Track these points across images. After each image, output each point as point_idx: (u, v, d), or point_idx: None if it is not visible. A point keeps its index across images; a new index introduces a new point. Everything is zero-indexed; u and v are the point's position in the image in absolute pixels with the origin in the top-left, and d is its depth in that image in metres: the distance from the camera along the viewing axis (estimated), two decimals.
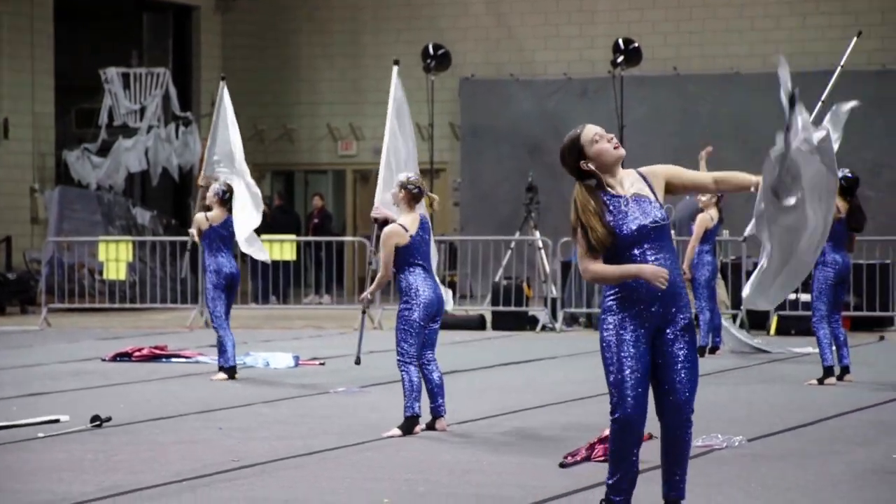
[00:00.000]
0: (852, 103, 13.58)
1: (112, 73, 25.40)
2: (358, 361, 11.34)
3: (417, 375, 9.83)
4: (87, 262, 22.39)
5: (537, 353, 15.99)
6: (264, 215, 15.42)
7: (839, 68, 13.27)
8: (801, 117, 6.87)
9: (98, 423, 10.12)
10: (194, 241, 13.98)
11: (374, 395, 12.13)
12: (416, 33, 26.60)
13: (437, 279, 10.18)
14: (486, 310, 20.38)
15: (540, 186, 22.01)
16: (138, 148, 25.41)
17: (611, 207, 6.40)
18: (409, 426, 9.78)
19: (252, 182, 13.95)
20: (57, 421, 10.32)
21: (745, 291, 6.94)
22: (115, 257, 21.36)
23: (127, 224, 24.34)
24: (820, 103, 14.40)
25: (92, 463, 8.70)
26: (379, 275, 10.05)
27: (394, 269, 10.00)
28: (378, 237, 10.26)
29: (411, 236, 9.93)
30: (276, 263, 21.99)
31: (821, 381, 12.59)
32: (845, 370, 12.93)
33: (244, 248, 13.75)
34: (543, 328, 19.39)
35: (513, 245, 21.39)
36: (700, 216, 15.56)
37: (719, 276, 17.26)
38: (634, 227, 6.35)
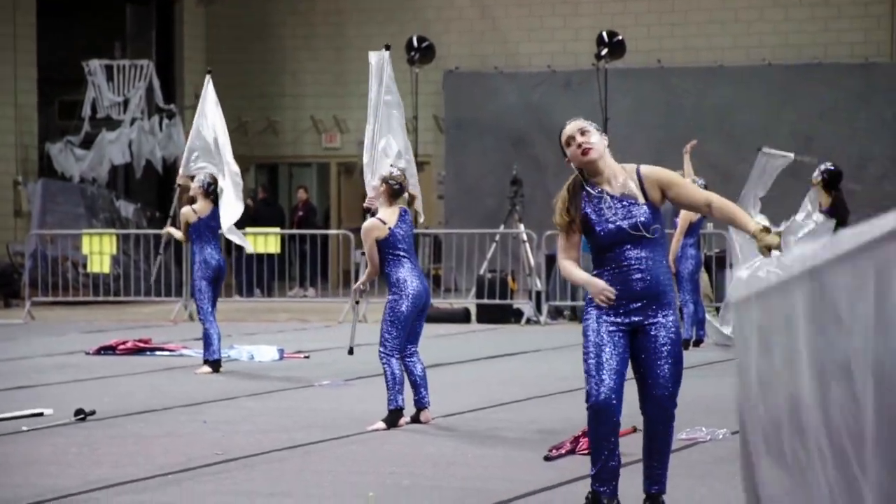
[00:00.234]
0: (787, 159, 13.68)
1: (95, 66, 25.33)
2: (351, 352, 11.31)
3: (399, 368, 9.84)
4: (70, 255, 22.33)
5: (522, 346, 16.01)
6: (247, 207, 15.47)
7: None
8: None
9: (82, 416, 10.10)
10: (170, 239, 13.94)
11: (359, 388, 12.13)
12: (399, 26, 26.58)
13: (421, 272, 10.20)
14: (470, 303, 20.39)
15: (524, 179, 22.02)
16: (122, 140, 25.36)
17: (592, 203, 6.46)
18: (393, 419, 9.79)
19: (237, 171, 13.91)
20: (41, 414, 10.31)
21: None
22: (99, 250, 21.32)
23: (111, 217, 24.29)
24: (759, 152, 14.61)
25: (76, 456, 8.69)
26: (367, 270, 10.05)
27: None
28: None
29: (390, 229, 9.95)
30: (260, 256, 21.99)
31: None
32: None
33: (227, 234, 13.72)
34: (528, 321, 19.41)
35: (497, 238, 21.40)
36: (684, 210, 15.60)
37: (703, 269, 17.29)
38: (612, 228, 6.42)
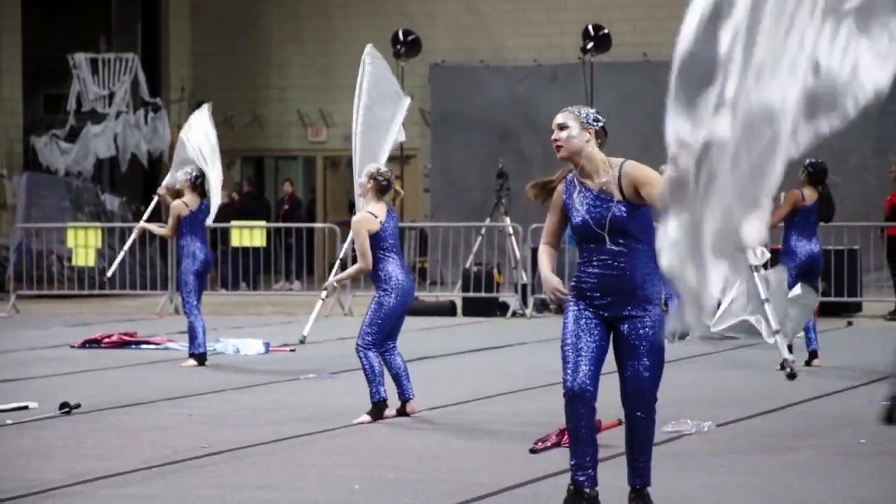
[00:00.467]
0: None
1: (80, 59, 25.28)
2: (303, 341, 11.26)
3: (378, 360, 9.83)
4: (55, 248, 22.30)
5: (507, 339, 16.02)
6: (233, 200, 15.51)
7: None
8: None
9: (67, 409, 10.09)
10: (144, 235, 13.84)
11: (345, 381, 12.13)
12: (386, 19, 26.56)
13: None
14: (456, 296, 20.40)
15: (510, 172, 22.02)
16: (107, 134, 25.30)
17: (574, 193, 6.53)
18: (377, 411, 9.79)
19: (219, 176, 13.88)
20: (26, 408, 10.29)
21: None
22: (84, 244, 21.28)
23: (96, 210, 24.25)
24: None
25: (61, 450, 8.68)
26: (358, 265, 9.97)
27: None
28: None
29: (381, 223, 9.93)
30: (246, 250, 21.97)
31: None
32: (813, 355, 13.00)
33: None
34: (514, 314, 19.42)
35: (483, 231, 21.41)
36: None
37: None
38: (579, 221, 6.49)
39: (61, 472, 7.89)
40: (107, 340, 14.97)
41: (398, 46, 24.26)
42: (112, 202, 24.88)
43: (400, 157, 23.71)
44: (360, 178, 10.20)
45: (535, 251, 19.84)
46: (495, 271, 20.04)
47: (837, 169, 22.46)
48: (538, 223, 19.88)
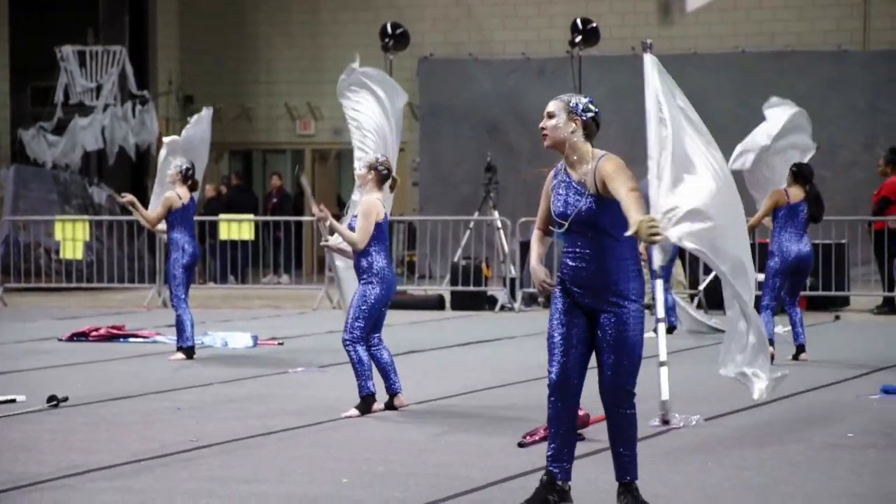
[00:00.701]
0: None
1: (68, 51, 25.21)
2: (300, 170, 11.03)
3: (366, 353, 9.82)
4: (43, 241, 22.26)
5: (496, 332, 16.02)
6: (220, 194, 15.44)
7: None
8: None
9: (55, 403, 10.07)
10: (129, 207, 13.74)
11: (333, 374, 12.13)
12: (374, 12, 26.54)
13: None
14: (444, 290, 20.40)
15: (498, 166, 22.03)
16: (94, 126, 25.25)
17: (557, 182, 6.57)
18: (366, 405, 9.78)
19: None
20: (13, 401, 10.27)
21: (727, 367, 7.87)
22: (72, 237, 21.25)
23: (83, 203, 24.20)
24: None
25: (49, 443, 8.66)
26: (356, 237, 9.84)
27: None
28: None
29: (385, 214, 9.96)
30: (234, 243, 21.95)
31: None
32: (801, 349, 13.03)
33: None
34: (502, 308, 19.43)
35: (471, 225, 21.41)
36: None
37: (678, 258, 17.33)
38: (556, 210, 6.55)
39: (49, 466, 7.88)
40: (95, 334, 14.95)
41: (386, 40, 24.23)
42: (100, 195, 24.84)
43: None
44: (360, 170, 10.11)
45: (523, 245, 19.85)
46: (483, 265, 20.04)
47: (827, 164, 22.52)
48: (526, 217, 19.89)
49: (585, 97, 6.75)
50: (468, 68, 26.44)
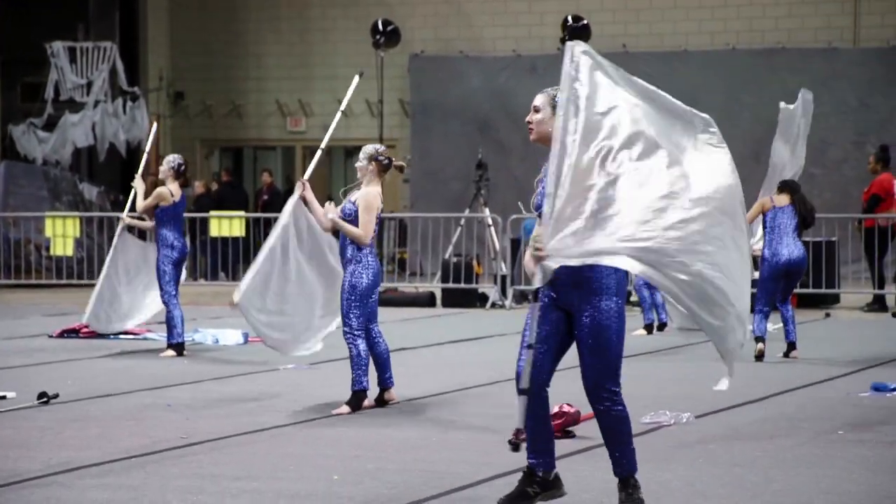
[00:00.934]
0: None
1: (58, 47, 25.18)
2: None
3: (365, 349, 9.82)
4: (33, 237, 22.23)
5: (487, 330, 16.03)
6: (209, 191, 15.38)
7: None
8: None
9: (45, 399, 10.06)
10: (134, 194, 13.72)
11: (324, 371, 12.13)
12: (365, 9, 26.53)
13: None
14: (435, 287, 20.40)
15: (489, 163, 22.04)
16: (85, 123, 25.23)
17: (540, 176, 6.58)
18: (356, 400, 9.77)
19: None
20: (3, 398, 10.25)
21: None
22: (62, 233, 21.22)
23: (74, 199, 24.17)
24: None
25: (39, 440, 8.65)
26: (360, 232, 9.81)
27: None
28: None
29: (380, 208, 9.96)
30: (224, 240, 21.93)
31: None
32: (791, 346, 13.05)
33: None
34: (493, 305, 19.43)
35: (462, 222, 21.41)
36: None
37: None
38: (534, 204, 6.58)
39: (39, 463, 7.87)
40: (85, 330, 14.93)
41: (377, 37, 24.23)
42: (90, 191, 24.81)
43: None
44: (360, 162, 10.06)
45: (514, 242, 19.87)
46: (475, 262, 20.05)
47: (817, 162, 22.56)
48: (517, 214, 19.91)
49: None
50: (459, 65, 26.44)
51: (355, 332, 9.78)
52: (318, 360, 12.70)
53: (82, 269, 21.48)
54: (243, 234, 22.02)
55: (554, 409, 8.67)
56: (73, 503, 6.95)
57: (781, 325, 13.19)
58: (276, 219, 23.77)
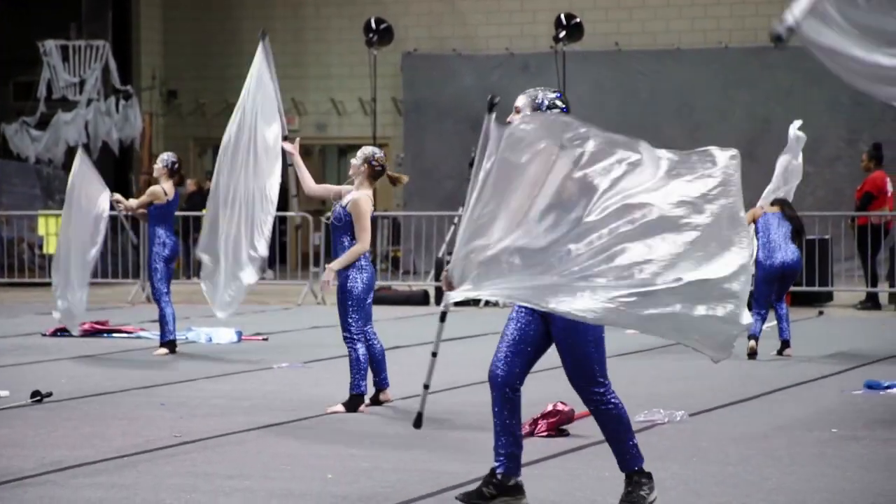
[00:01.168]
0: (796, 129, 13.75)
1: (51, 46, 25.14)
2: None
3: (365, 353, 9.82)
4: (26, 236, 22.20)
5: (480, 328, 16.02)
6: (200, 188, 15.28)
7: None
8: None
9: (39, 398, 10.05)
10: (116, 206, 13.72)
11: (318, 370, 12.12)
12: (358, 7, 26.51)
13: None
14: (429, 285, 20.40)
15: None
16: (78, 121, 25.19)
17: None
18: (354, 404, 9.77)
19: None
20: None
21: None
22: (56, 231, 21.15)
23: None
24: None
25: (32, 439, 8.65)
26: (359, 246, 9.80)
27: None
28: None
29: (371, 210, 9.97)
30: None
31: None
32: (785, 344, 13.07)
33: None
34: (486, 303, 19.42)
35: (456, 220, 21.40)
36: None
37: None
38: None
39: (32, 461, 7.86)
40: (78, 329, 14.90)
41: (370, 35, 24.22)
42: None
43: (373, 146, 23.65)
44: (355, 160, 10.06)
45: None
46: None
47: (810, 159, 22.49)
48: None
49: (554, 92, 6.73)
50: (452, 64, 26.43)
51: (354, 337, 9.78)
52: (310, 359, 12.70)
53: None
54: None
55: (548, 407, 8.69)
56: (67, 502, 6.94)
57: (775, 323, 13.20)
58: None
